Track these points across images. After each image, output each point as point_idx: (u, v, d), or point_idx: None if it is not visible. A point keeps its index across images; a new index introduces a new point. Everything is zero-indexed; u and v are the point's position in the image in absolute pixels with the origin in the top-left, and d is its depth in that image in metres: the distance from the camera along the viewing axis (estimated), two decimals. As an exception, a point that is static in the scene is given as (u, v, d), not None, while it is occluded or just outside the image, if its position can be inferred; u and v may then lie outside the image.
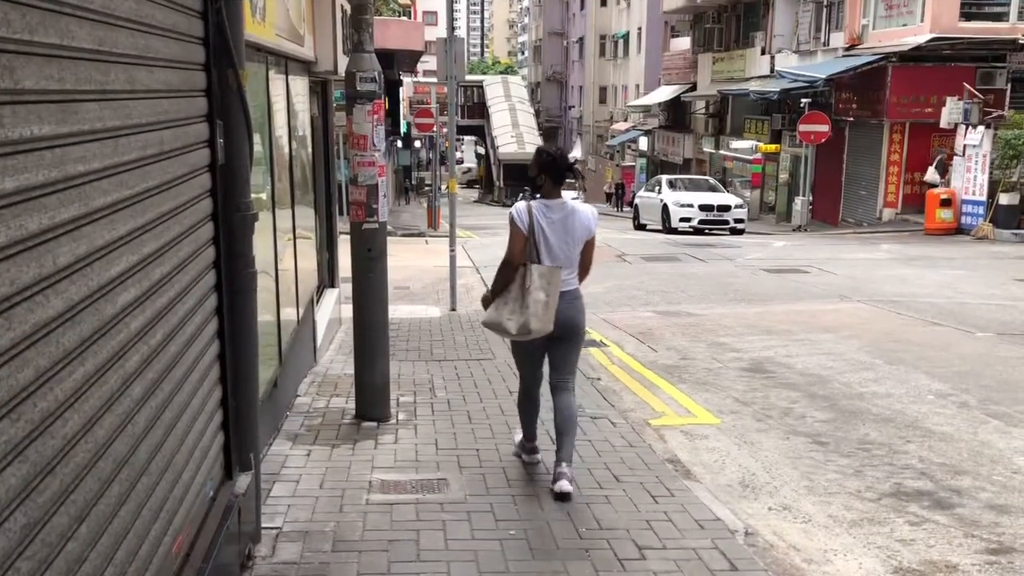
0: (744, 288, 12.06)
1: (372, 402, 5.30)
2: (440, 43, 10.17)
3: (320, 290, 8.62)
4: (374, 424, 5.26)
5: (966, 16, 21.33)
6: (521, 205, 4.31)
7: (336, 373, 6.69)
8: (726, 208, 22.32)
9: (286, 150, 5.32)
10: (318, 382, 6.39)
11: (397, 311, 10.34)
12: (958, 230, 19.40)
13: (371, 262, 5.10)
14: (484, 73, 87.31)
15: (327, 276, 9.00)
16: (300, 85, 6.12)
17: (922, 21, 21.45)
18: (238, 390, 3.20)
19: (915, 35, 21.11)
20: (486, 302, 4.43)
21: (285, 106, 5.35)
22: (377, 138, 4.98)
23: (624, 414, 5.84)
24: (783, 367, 7.52)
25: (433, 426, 5.32)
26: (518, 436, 4.91)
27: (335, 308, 8.80)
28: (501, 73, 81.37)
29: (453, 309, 10.24)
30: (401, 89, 40.88)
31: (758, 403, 6.40)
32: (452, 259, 10.72)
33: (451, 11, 10.29)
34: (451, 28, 10.21)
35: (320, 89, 8.50)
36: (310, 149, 6.69)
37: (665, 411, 6.18)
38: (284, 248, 5.16)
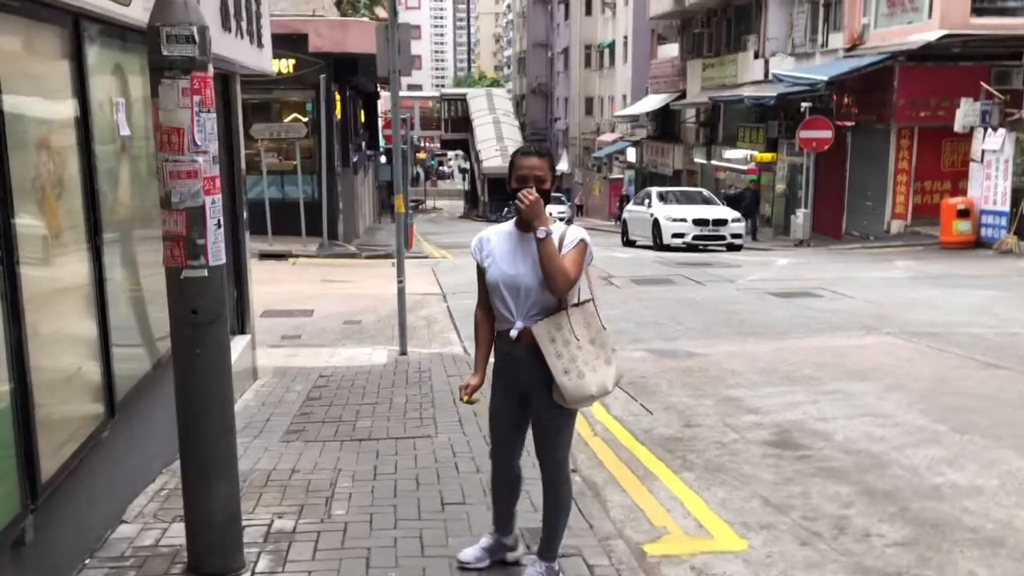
0: (751, 318, 10.26)
1: (210, 548, 3.37)
2: (380, 30, 8.28)
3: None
4: (212, 584, 3.35)
5: (977, 11, 19.68)
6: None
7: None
8: (722, 222, 20.43)
9: (74, 163, 3.42)
10: (168, 491, 4.44)
11: (335, 357, 8.46)
12: (978, 243, 17.72)
13: (198, 331, 3.17)
14: (471, 87, 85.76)
15: (235, 321, 7.14)
16: (135, 66, 4.23)
17: (930, 18, 19.80)
18: None
19: (923, 32, 19.43)
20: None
21: (73, 94, 3.45)
22: (200, 133, 3.09)
23: (606, 542, 3.93)
24: (819, 438, 5.66)
25: (306, 585, 3.41)
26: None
27: (245, 357, 6.94)
28: (487, 87, 79.82)
29: (403, 353, 8.37)
30: (379, 102, 38.86)
31: (797, 507, 4.51)
32: (400, 291, 8.84)
33: (394, -6, 8.46)
34: (393, 12, 8.36)
35: (220, 84, 6.65)
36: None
37: (667, 525, 4.30)
38: (60, 309, 3.25)
